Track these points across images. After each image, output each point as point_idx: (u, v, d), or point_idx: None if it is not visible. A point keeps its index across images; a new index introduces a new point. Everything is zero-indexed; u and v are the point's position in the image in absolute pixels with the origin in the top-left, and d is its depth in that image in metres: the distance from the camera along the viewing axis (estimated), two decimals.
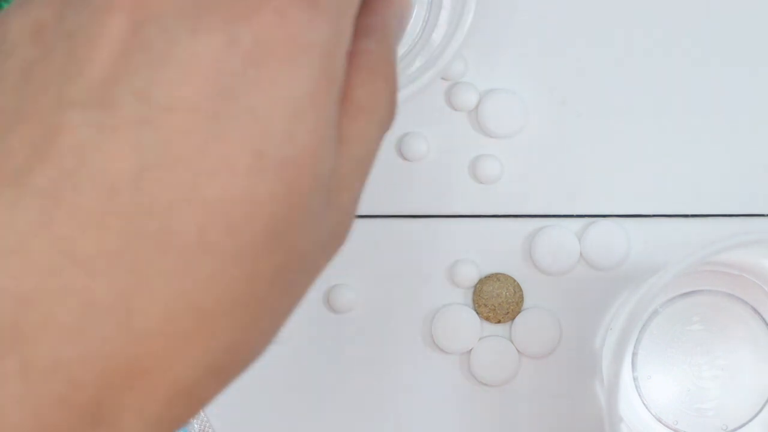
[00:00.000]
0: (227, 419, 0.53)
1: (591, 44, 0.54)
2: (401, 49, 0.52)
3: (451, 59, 0.48)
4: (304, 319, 0.53)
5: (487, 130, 0.53)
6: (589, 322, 0.53)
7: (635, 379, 0.52)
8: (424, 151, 0.53)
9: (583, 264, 0.53)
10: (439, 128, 0.54)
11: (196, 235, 0.29)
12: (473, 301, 0.53)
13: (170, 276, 0.29)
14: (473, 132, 0.54)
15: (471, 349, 0.53)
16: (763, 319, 0.52)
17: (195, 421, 0.52)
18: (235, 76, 0.30)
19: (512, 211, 0.54)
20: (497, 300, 0.53)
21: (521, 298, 0.53)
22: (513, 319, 0.53)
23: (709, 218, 0.54)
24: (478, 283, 0.53)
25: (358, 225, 0.53)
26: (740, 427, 0.52)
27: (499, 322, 0.53)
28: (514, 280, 0.53)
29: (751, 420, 0.52)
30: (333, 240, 0.33)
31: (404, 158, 0.53)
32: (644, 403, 0.52)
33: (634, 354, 0.52)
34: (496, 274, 0.53)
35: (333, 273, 0.53)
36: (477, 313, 0.53)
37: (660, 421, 0.52)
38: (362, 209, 0.53)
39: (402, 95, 0.48)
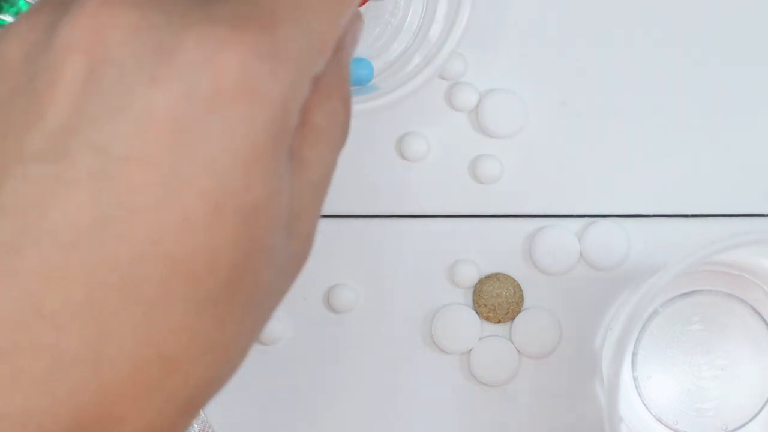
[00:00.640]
0: (227, 419, 0.53)
1: (591, 44, 0.54)
2: (399, 47, 0.52)
3: (450, 55, 0.48)
4: (304, 319, 0.53)
5: (487, 130, 0.53)
6: (589, 322, 0.53)
7: (635, 379, 0.52)
8: (424, 151, 0.53)
9: (583, 264, 0.53)
10: (439, 128, 0.54)
11: (158, 287, 0.30)
12: (473, 301, 0.53)
13: (136, 327, 0.29)
14: (473, 132, 0.54)
15: (471, 349, 0.53)
16: (763, 319, 0.52)
17: (195, 421, 0.52)
18: (192, 126, 0.29)
19: (512, 211, 0.54)
20: (497, 300, 0.53)
21: (521, 298, 0.53)
22: (513, 319, 0.53)
23: (709, 218, 0.54)
24: (478, 283, 0.53)
25: (358, 225, 0.53)
26: (740, 427, 0.52)
27: (499, 322, 0.53)
28: (514, 280, 0.53)
29: (751, 420, 0.52)
30: (295, 263, 0.34)
31: (404, 158, 0.53)
32: (644, 403, 0.52)
33: (634, 354, 0.52)
34: (496, 274, 0.53)
35: (333, 273, 0.53)
36: (477, 313, 0.53)
37: (660, 421, 0.52)
38: (362, 209, 0.53)
39: (401, 93, 0.48)
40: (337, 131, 0.34)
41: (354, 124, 0.53)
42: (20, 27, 0.31)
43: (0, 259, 0.29)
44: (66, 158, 0.29)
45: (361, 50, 0.52)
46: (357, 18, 0.36)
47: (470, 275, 0.53)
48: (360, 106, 0.48)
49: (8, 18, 0.52)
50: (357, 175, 0.53)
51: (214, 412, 0.53)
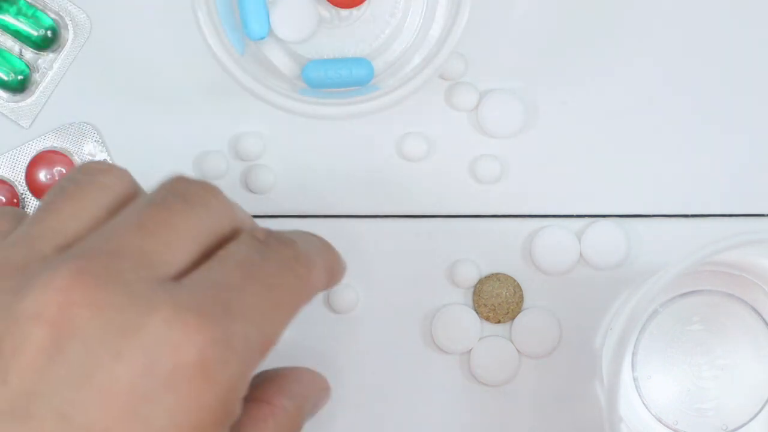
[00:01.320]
0: None
1: (591, 44, 0.54)
2: (399, 47, 0.52)
3: (450, 55, 0.48)
4: (305, 319, 0.53)
5: (487, 130, 0.53)
6: (589, 322, 0.53)
7: (635, 379, 0.52)
8: (424, 151, 0.53)
9: (583, 264, 0.53)
10: (439, 128, 0.54)
11: None
12: (473, 301, 0.53)
13: None
14: (473, 132, 0.54)
15: (471, 349, 0.53)
16: (763, 319, 0.52)
17: None
18: (149, 401, 0.33)
19: (512, 211, 0.54)
20: (497, 300, 0.53)
21: (521, 298, 0.53)
22: (513, 319, 0.53)
23: (709, 218, 0.53)
24: (478, 283, 0.53)
25: (359, 225, 0.53)
26: (740, 427, 0.52)
27: (499, 322, 0.53)
28: (514, 280, 0.53)
29: (751, 420, 0.52)
30: None
31: (404, 158, 0.53)
32: (644, 403, 0.52)
33: (634, 354, 0.52)
34: (496, 274, 0.53)
35: None
36: (477, 313, 0.53)
37: (660, 421, 0.52)
38: (362, 209, 0.53)
39: (401, 93, 0.48)
40: None
41: (354, 124, 0.54)
42: None
43: None
44: (28, 419, 0.32)
45: (361, 50, 0.52)
46: (326, 393, 0.44)
47: (470, 275, 0.53)
48: (360, 106, 0.48)
49: (8, 18, 0.52)
50: (357, 175, 0.53)
51: None
